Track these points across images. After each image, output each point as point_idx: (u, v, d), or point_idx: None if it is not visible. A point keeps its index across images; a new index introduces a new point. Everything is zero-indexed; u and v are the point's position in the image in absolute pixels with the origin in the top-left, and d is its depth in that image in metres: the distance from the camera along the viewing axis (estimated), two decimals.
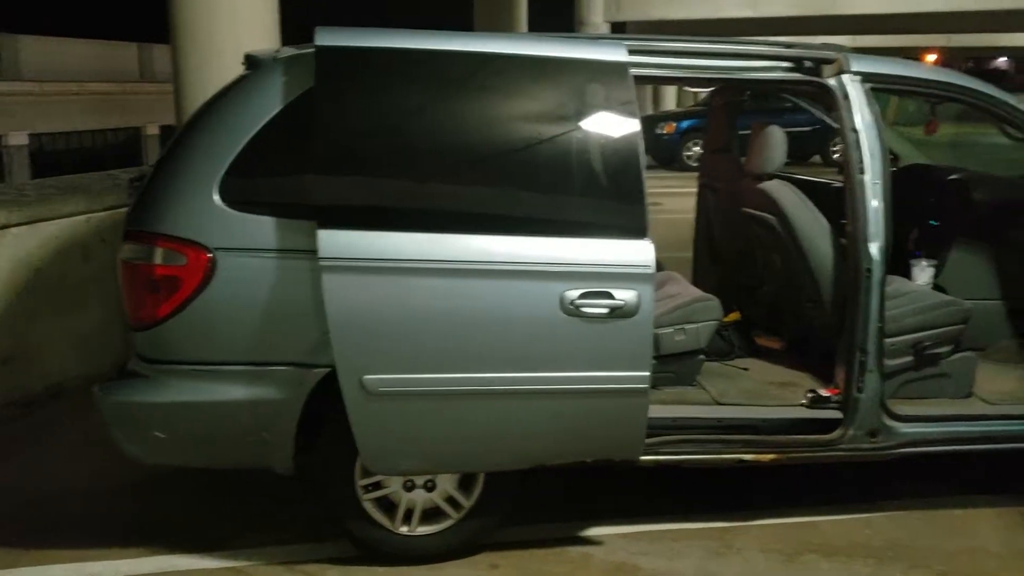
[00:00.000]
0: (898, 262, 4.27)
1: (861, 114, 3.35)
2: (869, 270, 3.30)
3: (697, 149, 17.32)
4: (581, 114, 3.08)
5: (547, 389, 3.02)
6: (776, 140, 3.70)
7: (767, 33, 21.26)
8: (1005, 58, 39.14)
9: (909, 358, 3.64)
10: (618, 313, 2.98)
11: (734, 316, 4.17)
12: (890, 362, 3.58)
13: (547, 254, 2.97)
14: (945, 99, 3.58)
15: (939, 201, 4.44)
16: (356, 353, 2.84)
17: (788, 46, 3.49)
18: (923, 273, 4.22)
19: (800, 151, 14.05)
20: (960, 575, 3.22)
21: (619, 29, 17.88)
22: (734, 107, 4.61)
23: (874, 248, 3.29)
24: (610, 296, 2.97)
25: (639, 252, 3.02)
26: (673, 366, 3.63)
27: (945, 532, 3.50)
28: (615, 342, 3.03)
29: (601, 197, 3.08)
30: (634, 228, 3.03)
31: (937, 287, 4.26)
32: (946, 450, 3.52)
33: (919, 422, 3.48)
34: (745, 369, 3.92)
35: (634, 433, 3.15)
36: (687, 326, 3.60)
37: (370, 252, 2.81)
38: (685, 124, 17.96)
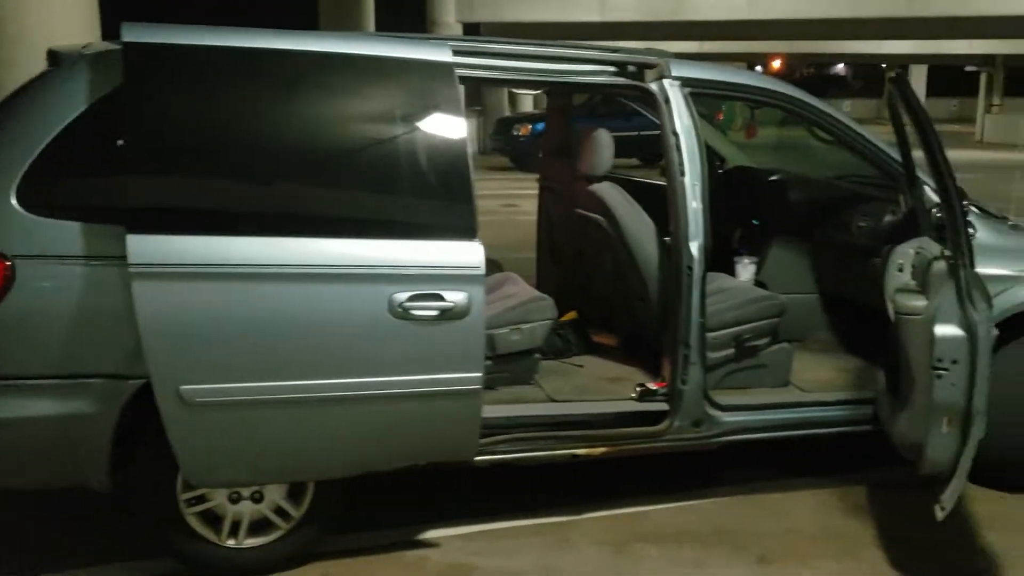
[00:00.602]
0: (724, 260, 4.48)
1: (680, 118, 3.47)
2: (690, 268, 3.43)
3: None
4: (407, 115, 3.07)
5: (378, 394, 2.98)
6: (603, 143, 3.80)
7: (616, 38, 21.92)
8: (842, 64, 41.58)
9: (731, 350, 3.82)
10: (448, 315, 2.99)
11: (571, 315, 4.26)
12: (713, 355, 3.75)
13: (374, 256, 2.94)
14: (762, 104, 3.77)
15: (760, 201, 4.67)
16: (172, 363, 2.73)
17: (614, 51, 3.59)
18: (745, 270, 4.43)
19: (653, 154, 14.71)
20: (777, 555, 3.39)
21: (472, 30, 17.98)
22: (570, 110, 4.71)
23: (694, 247, 3.42)
24: (440, 298, 2.97)
25: (468, 253, 3.03)
26: (509, 366, 3.68)
27: (766, 516, 3.68)
28: (446, 344, 3.03)
29: (429, 198, 3.08)
30: (463, 229, 3.04)
31: (759, 283, 4.49)
32: (766, 436, 3.71)
33: (740, 411, 3.65)
34: (580, 366, 4.00)
35: (468, 434, 3.16)
36: (522, 326, 3.65)
37: (183, 258, 2.70)
38: (540, 126, 18.22)
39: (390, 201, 3.04)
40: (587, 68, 3.51)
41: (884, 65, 36.89)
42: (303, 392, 2.90)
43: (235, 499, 3.13)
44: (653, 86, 3.52)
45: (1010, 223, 3.98)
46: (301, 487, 3.19)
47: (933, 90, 34.25)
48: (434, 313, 2.98)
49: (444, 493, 3.78)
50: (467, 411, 3.12)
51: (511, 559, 3.35)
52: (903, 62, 32.66)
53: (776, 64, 36.45)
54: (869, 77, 42.68)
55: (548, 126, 4.66)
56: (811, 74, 43.74)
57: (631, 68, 3.55)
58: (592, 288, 4.31)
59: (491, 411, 3.43)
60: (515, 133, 18.01)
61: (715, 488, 3.89)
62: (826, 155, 4.63)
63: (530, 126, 18.15)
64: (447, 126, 3.07)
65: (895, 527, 3.57)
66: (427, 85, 3.10)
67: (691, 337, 3.47)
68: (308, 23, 12.16)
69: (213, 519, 3.12)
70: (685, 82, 3.52)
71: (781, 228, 4.52)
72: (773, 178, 4.67)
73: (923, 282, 3.26)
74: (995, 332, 3.07)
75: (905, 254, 3.45)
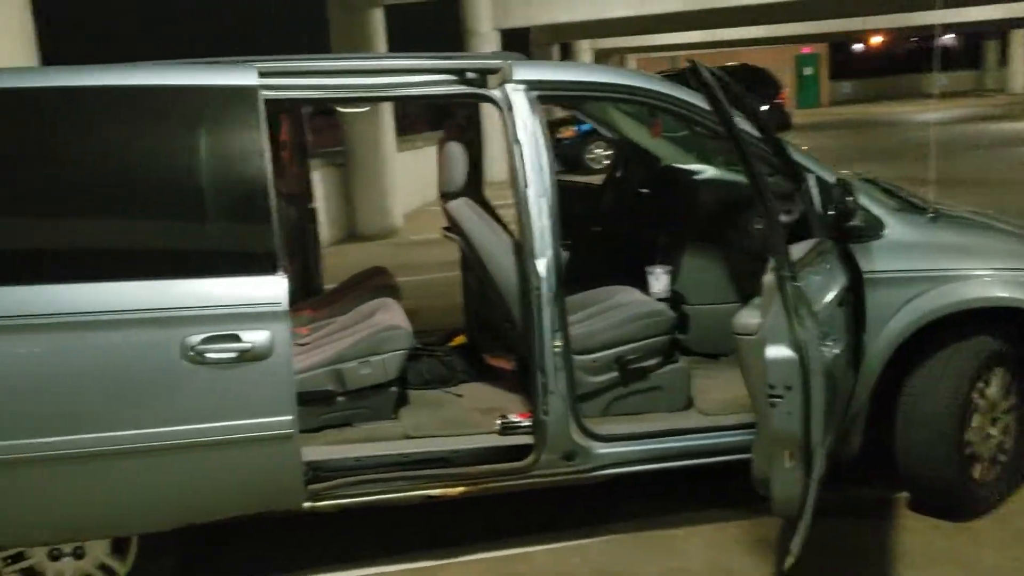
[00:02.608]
0: (640, 273, 4.16)
1: (524, 125, 3.19)
2: (538, 288, 3.14)
3: (599, 151, 17.32)
4: (201, 146, 2.90)
5: (179, 444, 2.82)
6: (454, 157, 3.53)
7: (658, 30, 21.37)
8: (951, 35, 39.21)
9: (613, 374, 3.50)
10: (248, 356, 2.81)
11: (458, 340, 4.01)
12: (592, 379, 3.45)
13: (160, 298, 2.79)
14: (625, 102, 3.43)
15: (680, 204, 4.31)
16: None
17: (452, 58, 3.33)
18: (658, 281, 4.09)
19: None
20: None
21: (511, 35, 17.78)
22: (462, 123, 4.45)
23: (541, 264, 3.13)
24: (237, 339, 2.79)
25: (268, 288, 2.85)
26: (365, 401, 3.45)
27: (653, 554, 3.34)
28: (248, 387, 2.85)
29: (224, 234, 2.91)
30: (262, 262, 2.87)
31: (675, 294, 4.14)
32: (653, 468, 3.36)
33: (620, 441, 3.32)
34: (460, 395, 3.75)
35: (289, 481, 2.96)
36: (372, 358, 3.42)
37: None
38: (586, 127, 17.86)
39: (179, 237, 2.89)
40: (421, 79, 3.25)
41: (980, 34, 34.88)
42: (97, 446, 2.76)
43: (55, 556, 3.00)
44: (495, 92, 3.24)
45: (930, 215, 3.53)
46: (125, 542, 3.03)
47: None
48: (231, 355, 2.80)
49: (317, 534, 3.58)
50: (283, 457, 2.92)
51: None
52: (1001, 27, 30.91)
53: (876, 40, 34.68)
54: (969, 48, 40.59)
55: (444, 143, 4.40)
56: (915, 45, 41.50)
57: (471, 75, 3.27)
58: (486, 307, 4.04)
59: (335, 452, 3.24)
60: (558, 136, 17.65)
61: (610, 524, 3.56)
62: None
63: (574, 128, 17.80)
64: (246, 157, 2.90)
65: (802, 562, 3.18)
66: (227, 112, 2.93)
67: (546, 363, 3.17)
68: (319, 36, 12.16)
69: None
70: (531, 85, 3.23)
71: (696, 232, 4.15)
72: (693, 178, 4.30)
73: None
74: (833, 352, 2.70)
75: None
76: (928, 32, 30.17)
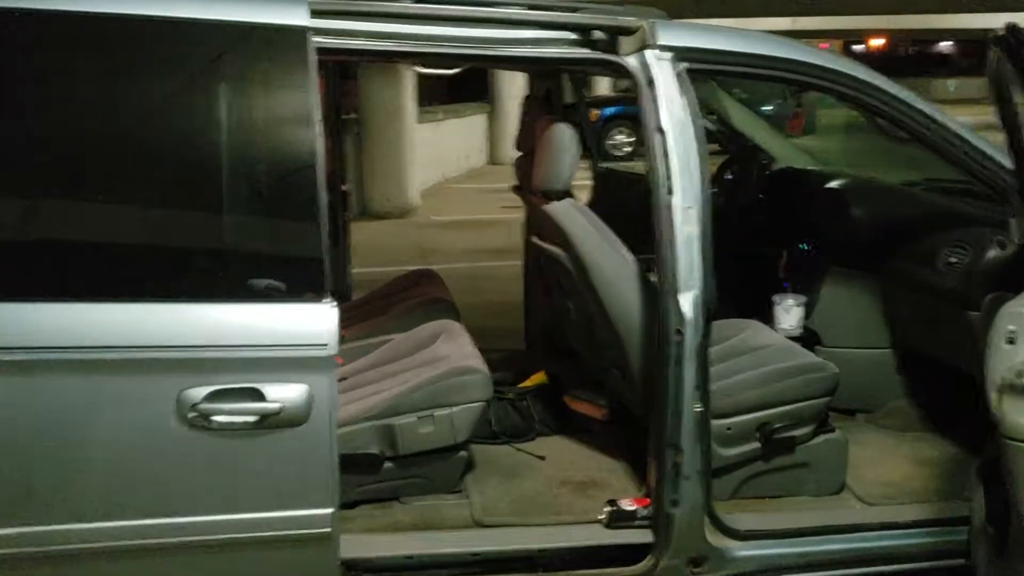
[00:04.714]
0: (761, 299, 3.28)
1: (670, 107, 2.29)
2: (680, 333, 2.25)
3: (621, 137, 16.32)
4: (220, 108, 2.01)
5: (169, 544, 1.95)
6: (564, 144, 2.61)
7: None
8: (950, 42, 38.57)
9: (754, 444, 2.63)
10: (274, 422, 1.93)
11: (537, 378, 3.13)
12: (727, 452, 2.58)
13: (148, 331, 1.90)
14: (802, 85, 2.54)
15: (813, 217, 3.42)
16: None
17: (572, 9, 2.42)
18: (789, 315, 3.20)
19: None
20: None
21: None
22: (558, 95, 3.55)
23: (686, 302, 2.25)
24: (259, 395, 1.92)
25: (311, 321, 1.96)
26: (423, 468, 2.57)
27: None
28: (273, 466, 1.98)
29: (246, 236, 2.03)
30: (304, 284, 2.00)
31: (808, 332, 3.25)
32: None
33: (765, 540, 2.46)
34: (541, 458, 2.86)
35: None
36: (436, 412, 2.52)
37: None
38: (609, 111, 16.85)
39: (177, 238, 2.02)
40: (529, 35, 2.34)
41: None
42: (40, 544, 1.89)
43: None
44: (631, 61, 2.34)
45: None
46: None
47: None
48: (250, 420, 1.93)
49: None
50: (315, 562, 2.05)
51: None
52: None
53: (877, 43, 33.86)
54: (977, 55, 39.62)
55: (523, 119, 3.49)
56: (915, 52, 40.80)
57: (598, 35, 2.37)
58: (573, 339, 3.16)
59: (380, 545, 2.37)
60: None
61: None
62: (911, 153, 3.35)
63: (597, 111, 16.78)
64: (284, 120, 2.05)
65: None
66: (258, 60, 2.06)
67: (682, 437, 2.30)
68: None
69: None
70: (679, 54, 2.33)
71: (840, 256, 3.26)
72: (830, 185, 3.39)
73: None
74: None
75: (1018, 317, 2.18)
76: (934, 37, 29.11)
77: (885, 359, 3.20)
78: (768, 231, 3.57)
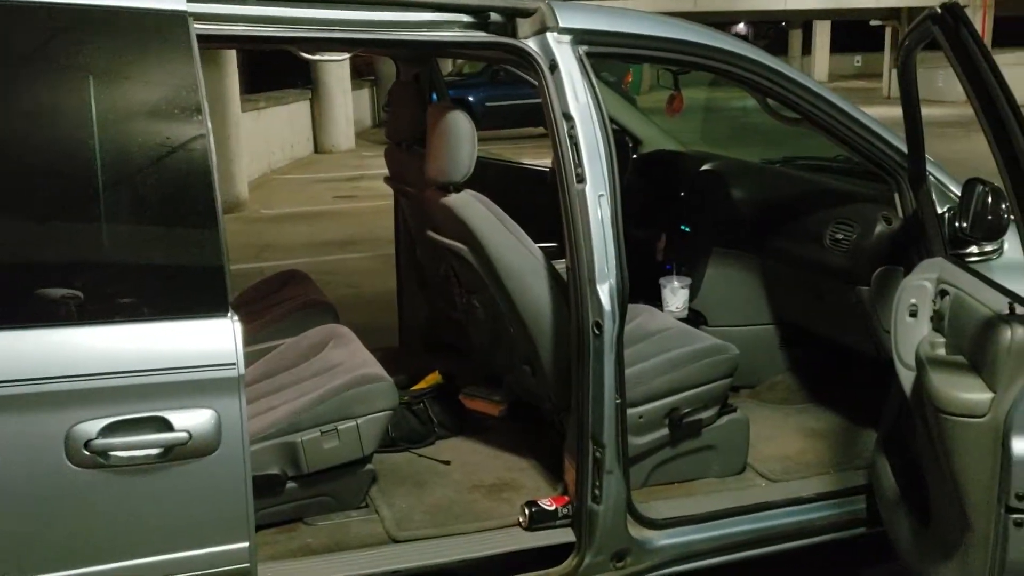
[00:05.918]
0: (645, 282, 3.26)
1: (575, 92, 2.22)
2: (599, 326, 2.19)
3: None
4: (92, 100, 1.74)
5: None
6: (461, 133, 2.48)
7: None
8: (743, 24, 40.76)
9: (664, 431, 2.61)
10: (180, 452, 1.71)
11: (432, 378, 2.98)
12: (639, 440, 2.55)
13: (27, 362, 1.63)
14: (698, 67, 2.50)
15: (691, 200, 3.45)
16: None
17: None
18: (675, 296, 3.23)
19: None
20: None
21: None
22: (427, 81, 3.41)
23: (604, 292, 2.18)
24: (162, 425, 1.69)
25: (214, 339, 1.75)
26: (328, 485, 2.39)
27: None
28: (181, 502, 1.77)
29: (132, 244, 1.79)
30: (202, 296, 1.77)
31: (694, 313, 3.29)
32: (723, 561, 2.50)
33: (680, 527, 2.44)
34: (447, 462, 2.73)
35: None
36: (341, 425, 2.34)
37: None
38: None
39: (52, 250, 1.74)
40: (421, 17, 2.19)
41: (784, 23, 36.14)
42: None
43: None
44: (531, 43, 2.24)
45: None
46: None
47: (836, 46, 33.69)
48: (153, 452, 1.70)
49: None
50: None
51: None
52: (806, 18, 31.89)
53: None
54: (770, 36, 42.07)
55: (393, 106, 3.32)
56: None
57: (495, 16, 2.25)
58: (468, 330, 3.03)
59: (298, 574, 2.17)
60: None
61: None
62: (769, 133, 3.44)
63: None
64: (167, 113, 1.80)
65: None
66: (134, 48, 1.80)
67: (604, 431, 2.24)
68: None
69: None
70: (580, 36, 2.26)
71: (722, 236, 3.31)
72: (707, 167, 3.43)
73: (957, 341, 2.09)
74: None
75: (919, 290, 2.26)
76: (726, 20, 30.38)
77: (768, 335, 3.28)
78: (641, 214, 3.57)
